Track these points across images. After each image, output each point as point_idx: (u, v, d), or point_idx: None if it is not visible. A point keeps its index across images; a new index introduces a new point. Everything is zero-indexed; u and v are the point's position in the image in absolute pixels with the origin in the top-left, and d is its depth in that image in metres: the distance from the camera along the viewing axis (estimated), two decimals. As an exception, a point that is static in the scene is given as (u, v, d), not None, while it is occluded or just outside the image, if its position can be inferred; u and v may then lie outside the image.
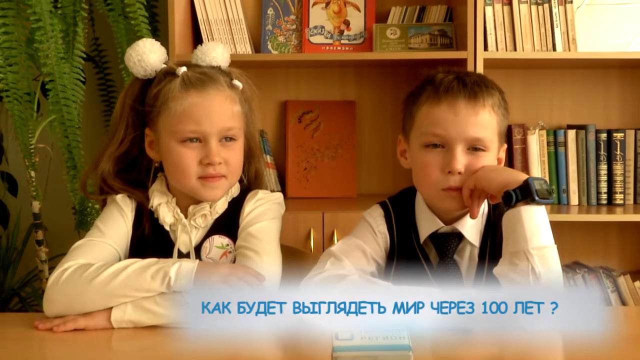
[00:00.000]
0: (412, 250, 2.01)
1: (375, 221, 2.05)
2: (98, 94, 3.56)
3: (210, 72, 2.06)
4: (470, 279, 1.98)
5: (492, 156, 1.96)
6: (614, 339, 1.76)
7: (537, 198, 1.78)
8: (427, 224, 2.00)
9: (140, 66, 2.05)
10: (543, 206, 1.81)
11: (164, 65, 2.06)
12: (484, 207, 2.00)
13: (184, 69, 2.02)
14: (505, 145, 2.05)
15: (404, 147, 2.06)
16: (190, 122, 1.98)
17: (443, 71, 2.00)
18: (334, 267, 1.92)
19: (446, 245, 1.98)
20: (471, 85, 1.92)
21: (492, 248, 1.97)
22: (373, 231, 2.04)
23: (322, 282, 1.88)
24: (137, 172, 2.14)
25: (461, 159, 1.90)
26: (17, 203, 3.71)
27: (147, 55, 2.04)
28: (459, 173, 1.90)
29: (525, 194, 1.79)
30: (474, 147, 1.91)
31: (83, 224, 3.09)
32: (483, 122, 1.91)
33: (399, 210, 2.06)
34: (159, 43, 2.08)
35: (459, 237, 1.99)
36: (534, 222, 1.79)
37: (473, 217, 1.93)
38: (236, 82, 2.08)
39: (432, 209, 2.01)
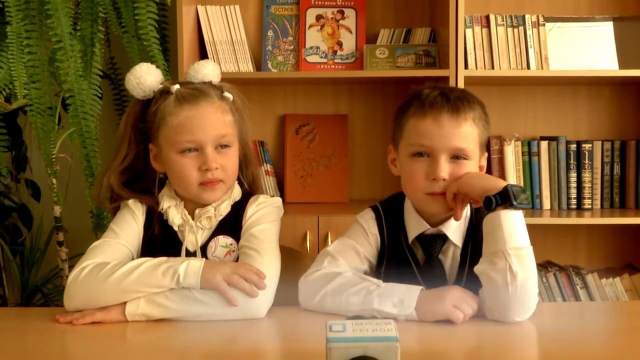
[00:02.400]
0: (401, 250, 2.02)
1: (367, 223, 2.06)
2: (113, 108, 3.56)
3: (202, 87, 2.07)
4: (453, 277, 1.98)
5: (474, 164, 1.96)
6: (586, 332, 1.77)
7: (515, 203, 1.78)
8: (415, 226, 2.01)
9: (139, 88, 2.06)
10: (520, 211, 1.81)
11: (161, 85, 2.07)
12: (466, 211, 2.00)
13: (177, 86, 2.03)
14: (486, 154, 2.05)
15: (394, 156, 2.06)
16: (186, 133, 1.98)
17: (429, 87, 2.01)
18: (330, 266, 1.94)
19: (432, 245, 1.99)
20: (454, 100, 1.93)
21: (473, 249, 1.97)
22: (365, 232, 2.04)
23: (319, 278, 1.90)
24: (144, 182, 2.14)
25: (445, 167, 1.90)
26: (40, 208, 3.71)
27: (145, 77, 2.05)
28: (443, 180, 1.90)
29: (504, 199, 1.79)
30: (457, 156, 1.92)
31: (100, 226, 3.09)
32: (465, 133, 1.92)
33: (389, 213, 2.07)
34: (154, 66, 2.09)
35: (444, 238, 1.99)
36: (512, 225, 1.79)
37: (457, 219, 1.93)
38: (227, 94, 2.09)
39: (419, 212, 2.01)
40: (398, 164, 2.04)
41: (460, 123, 1.91)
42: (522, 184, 3.43)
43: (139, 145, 2.10)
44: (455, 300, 1.75)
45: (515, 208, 1.80)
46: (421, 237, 2.00)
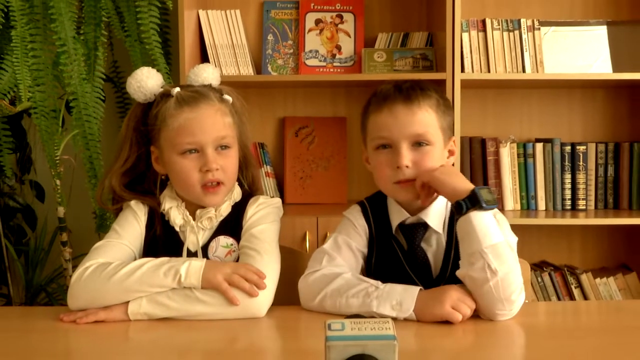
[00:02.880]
0: (387, 239, 2.04)
1: (354, 216, 2.08)
2: (116, 111, 3.56)
3: (202, 89, 2.07)
4: (439, 264, 1.99)
5: (439, 149, 1.98)
6: (580, 331, 1.77)
7: (484, 205, 1.80)
8: (396, 216, 2.03)
9: (140, 92, 2.07)
10: (490, 211, 1.83)
11: (161, 89, 2.07)
12: (446, 200, 2.02)
13: (177, 89, 2.04)
14: (454, 138, 2.07)
15: (366, 154, 2.09)
16: (187, 135, 1.99)
17: (387, 84, 2.05)
18: (329, 265, 1.96)
19: (413, 234, 2.00)
20: (406, 90, 1.97)
21: (457, 241, 1.96)
22: (354, 225, 2.06)
23: (318, 279, 1.91)
24: (146, 183, 2.14)
25: (407, 155, 1.93)
26: (44, 208, 3.71)
27: (145, 81, 2.06)
28: (407, 167, 1.93)
29: (473, 202, 1.80)
30: (418, 143, 1.94)
31: (103, 227, 3.09)
32: (421, 120, 1.94)
33: (374, 205, 2.09)
34: (155, 70, 2.10)
35: (425, 226, 2.00)
36: (484, 225, 1.80)
37: (424, 204, 1.96)
38: (226, 97, 2.10)
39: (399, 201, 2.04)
40: (369, 160, 2.07)
41: (415, 111, 1.94)
42: (517, 185, 3.44)
43: (140, 147, 2.11)
44: (454, 302, 1.75)
45: (485, 209, 1.81)
46: (403, 226, 2.02)
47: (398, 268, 1.99)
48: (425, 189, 1.93)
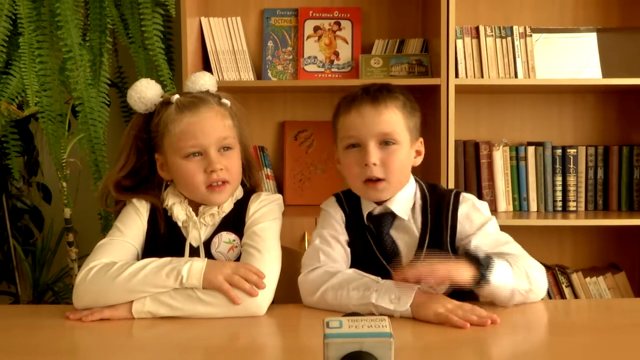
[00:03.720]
0: (360, 228, 2.06)
1: (330, 207, 2.12)
2: (121, 115, 3.56)
3: (200, 95, 2.09)
4: (411, 251, 2.01)
5: (406, 148, 2.01)
6: (571, 328, 1.77)
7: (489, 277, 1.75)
8: (365, 206, 2.07)
9: (141, 102, 2.08)
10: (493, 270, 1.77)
11: (161, 98, 2.08)
12: (414, 188, 2.07)
13: (177, 96, 2.05)
14: (421, 139, 2.10)
15: (337, 155, 2.11)
16: (189, 138, 2.00)
17: (356, 89, 2.07)
18: (328, 260, 1.99)
19: (381, 223, 2.04)
20: (373, 92, 2.00)
21: (432, 224, 2.02)
22: (332, 216, 2.09)
23: (321, 275, 1.92)
24: (150, 184, 2.14)
25: (374, 153, 1.96)
26: (51, 210, 3.71)
27: (145, 92, 2.07)
28: (374, 164, 1.95)
29: (487, 265, 1.76)
30: (385, 142, 1.97)
31: (108, 227, 3.08)
32: (387, 120, 1.97)
33: (348, 196, 2.12)
34: (153, 81, 2.11)
35: (393, 215, 2.03)
36: (497, 284, 1.76)
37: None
38: (224, 100, 2.11)
39: None
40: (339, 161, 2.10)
41: (381, 111, 1.97)
42: (509, 188, 3.45)
43: (142, 156, 2.12)
44: (452, 308, 1.74)
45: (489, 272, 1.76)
46: (372, 216, 2.05)
47: (370, 255, 2.03)
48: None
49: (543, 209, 3.47)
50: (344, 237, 2.06)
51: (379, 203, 2.04)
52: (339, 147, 2.06)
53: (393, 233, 2.04)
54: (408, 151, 2.02)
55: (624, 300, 3.28)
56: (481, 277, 1.74)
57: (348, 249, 2.05)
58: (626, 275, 3.53)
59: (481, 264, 1.75)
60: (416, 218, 2.04)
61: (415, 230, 2.03)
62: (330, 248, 2.02)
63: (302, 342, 1.68)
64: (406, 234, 2.03)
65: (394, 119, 1.98)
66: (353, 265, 2.02)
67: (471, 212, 2.03)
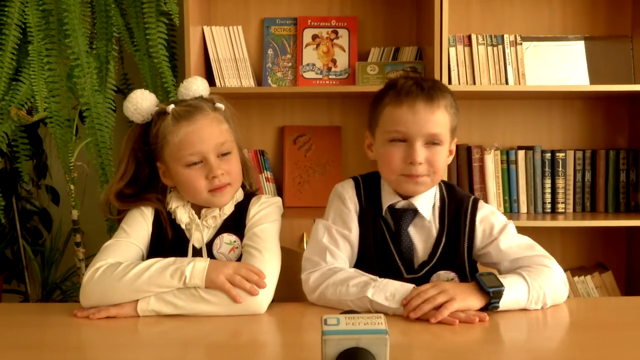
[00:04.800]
0: (375, 219, 2.02)
1: (346, 191, 2.06)
2: (126, 120, 3.53)
3: (195, 102, 2.07)
4: (427, 252, 1.99)
5: (446, 149, 1.97)
6: (561, 326, 1.77)
7: (503, 289, 1.76)
8: (388, 198, 2.01)
9: (138, 113, 2.08)
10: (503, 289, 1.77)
11: (156, 108, 2.08)
12: (436, 188, 2.04)
13: (172, 106, 2.04)
14: (456, 139, 2.05)
15: (370, 141, 2.06)
16: (188, 147, 1.99)
17: (403, 77, 2.02)
18: (334, 260, 1.96)
19: (402, 218, 2.00)
20: (428, 89, 1.92)
21: (449, 226, 2.00)
22: (344, 200, 2.04)
23: (324, 273, 1.92)
24: (153, 188, 2.14)
25: (421, 152, 1.91)
26: (59, 211, 3.70)
27: (141, 103, 2.07)
28: (420, 163, 1.91)
29: (497, 297, 1.76)
30: (432, 142, 1.92)
31: (114, 229, 3.05)
32: (438, 120, 1.92)
33: (367, 183, 2.07)
34: (148, 91, 2.10)
35: (414, 212, 1.99)
36: (511, 303, 1.79)
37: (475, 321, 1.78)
38: (219, 105, 2.09)
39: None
40: (374, 149, 2.04)
41: (434, 110, 1.91)
42: (500, 190, 3.45)
43: (143, 166, 2.12)
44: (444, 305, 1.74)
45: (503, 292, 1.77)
46: (392, 209, 2.01)
47: (384, 249, 1.99)
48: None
49: (533, 210, 3.47)
50: (353, 230, 2.01)
51: (404, 197, 2.00)
52: (379, 136, 2.00)
53: (410, 230, 2.00)
54: (447, 151, 1.99)
55: (611, 298, 3.29)
56: (490, 306, 1.75)
57: (355, 245, 2.01)
58: (613, 274, 3.54)
59: (491, 295, 1.74)
60: (435, 218, 2.01)
61: (434, 230, 2.00)
62: (337, 248, 1.98)
63: (301, 339, 1.68)
64: (424, 233, 2.00)
65: (444, 120, 1.94)
66: (364, 258, 1.99)
67: (490, 216, 2.01)
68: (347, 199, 2.04)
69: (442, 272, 1.97)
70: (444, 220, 2.00)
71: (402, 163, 1.93)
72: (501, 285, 1.75)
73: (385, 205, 2.01)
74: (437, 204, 2.02)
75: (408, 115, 1.91)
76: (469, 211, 2.00)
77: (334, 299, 1.85)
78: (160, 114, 2.06)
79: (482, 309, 1.75)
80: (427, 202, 2.00)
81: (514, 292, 1.77)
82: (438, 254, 1.97)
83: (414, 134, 1.90)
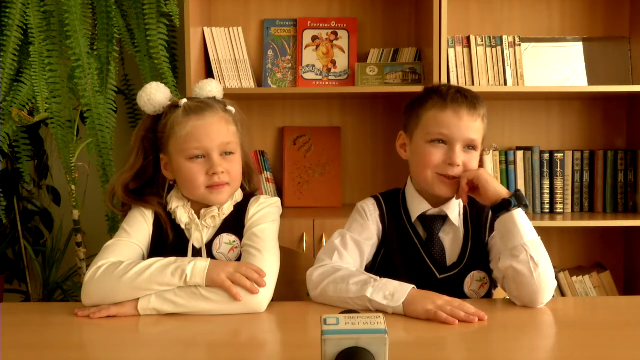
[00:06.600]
0: (403, 229, 2.08)
1: (368, 206, 2.13)
2: (127, 121, 3.56)
3: (207, 100, 2.09)
4: (455, 255, 2.06)
5: (478, 155, 2.06)
6: (559, 325, 1.77)
7: (527, 204, 1.92)
8: (417, 206, 2.09)
9: (150, 104, 2.08)
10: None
11: (169, 101, 2.09)
12: None
13: (184, 100, 2.06)
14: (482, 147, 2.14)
15: (405, 141, 2.14)
16: (194, 141, 2.00)
17: (444, 85, 2.11)
18: (341, 261, 2.00)
19: (433, 224, 2.07)
20: (471, 98, 2.03)
21: (474, 231, 2.07)
22: (366, 216, 2.10)
23: (326, 270, 1.94)
24: (154, 187, 2.15)
25: (460, 155, 2.00)
26: (60, 212, 3.70)
27: (155, 95, 2.08)
28: (458, 166, 1.99)
29: (519, 200, 1.91)
30: (470, 146, 2.02)
31: (114, 228, 3.08)
32: (477, 127, 2.02)
33: (388, 200, 2.14)
34: (163, 85, 2.11)
35: (444, 218, 2.07)
36: (525, 221, 1.90)
37: (464, 202, 2.03)
38: (230, 107, 2.11)
39: (421, 194, 2.09)
40: (409, 149, 2.12)
41: (476, 118, 2.02)
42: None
43: (149, 155, 2.12)
44: (441, 304, 1.75)
45: (526, 207, 1.92)
46: (423, 217, 2.08)
47: (414, 255, 2.05)
48: (469, 185, 1.99)
49: (531, 210, 3.47)
50: (369, 239, 2.07)
51: (433, 206, 2.07)
52: (418, 137, 2.07)
53: (441, 235, 2.07)
54: (478, 157, 2.07)
55: (609, 298, 3.28)
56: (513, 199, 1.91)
57: (366, 252, 2.06)
58: (611, 274, 3.54)
59: (518, 193, 1.93)
60: (460, 222, 2.09)
61: (461, 233, 2.07)
62: (346, 250, 2.03)
63: (300, 337, 1.68)
64: (452, 237, 2.08)
65: (480, 128, 2.04)
66: (390, 266, 2.05)
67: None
68: (367, 212, 2.12)
69: (475, 272, 2.05)
70: (467, 224, 2.09)
71: (441, 163, 2.01)
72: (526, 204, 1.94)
73: (415, 214, 2.08)
74: (462, 210, 2.10)
75: (453, 119, 2.00)
76: (489, 221, 2.08)
77: (334, 297, 1.86)
78: (172, 106, 2.07)
79: (506, 204, 1.91)
80: (455, 209, 2.09)
81: (527, 222, 1.92)
82: (467, 256, 2.05)
83: (456, 138, 2.00)
